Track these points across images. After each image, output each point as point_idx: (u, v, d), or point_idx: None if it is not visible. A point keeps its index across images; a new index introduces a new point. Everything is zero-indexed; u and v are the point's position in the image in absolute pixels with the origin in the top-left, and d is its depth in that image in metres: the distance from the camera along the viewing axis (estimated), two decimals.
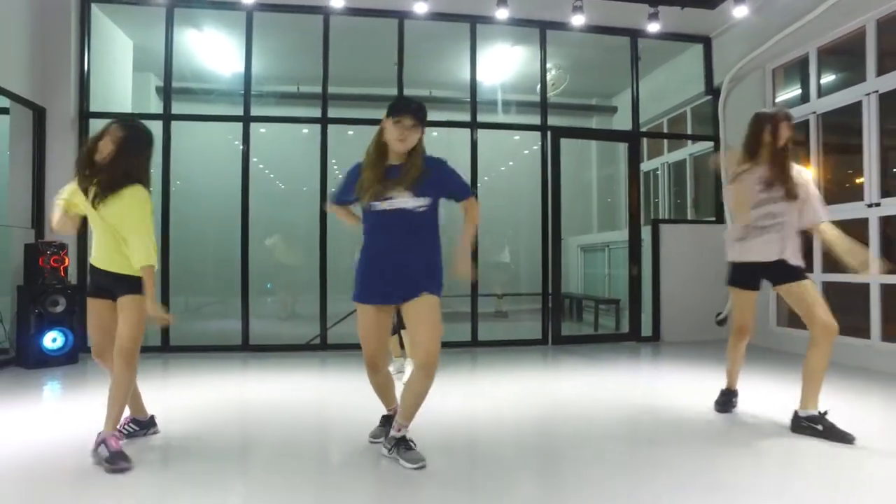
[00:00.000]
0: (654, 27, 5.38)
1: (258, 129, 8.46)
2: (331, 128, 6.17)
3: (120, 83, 6.65)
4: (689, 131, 7.53)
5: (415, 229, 2.51)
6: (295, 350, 5.97)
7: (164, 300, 5.75)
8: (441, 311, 2.52)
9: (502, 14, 5.20)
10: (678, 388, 4.36)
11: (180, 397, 4.04)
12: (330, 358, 5.74)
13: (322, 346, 6.01)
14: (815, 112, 5.37)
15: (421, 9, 5.32)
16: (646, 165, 8.45)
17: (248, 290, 5.93)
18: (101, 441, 2.53)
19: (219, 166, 7.60)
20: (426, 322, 2.44)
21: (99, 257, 2.73)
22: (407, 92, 6.76)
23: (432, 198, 2.54)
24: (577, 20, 5.28)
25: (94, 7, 5.91)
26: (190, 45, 7.14)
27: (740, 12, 5.06)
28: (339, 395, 4.14)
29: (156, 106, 7.89)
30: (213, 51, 7.22)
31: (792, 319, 5.85)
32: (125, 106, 6.62)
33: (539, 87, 6.47)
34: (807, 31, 5.28)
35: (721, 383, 3.62)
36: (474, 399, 4.04)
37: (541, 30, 6.32)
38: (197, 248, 8.78)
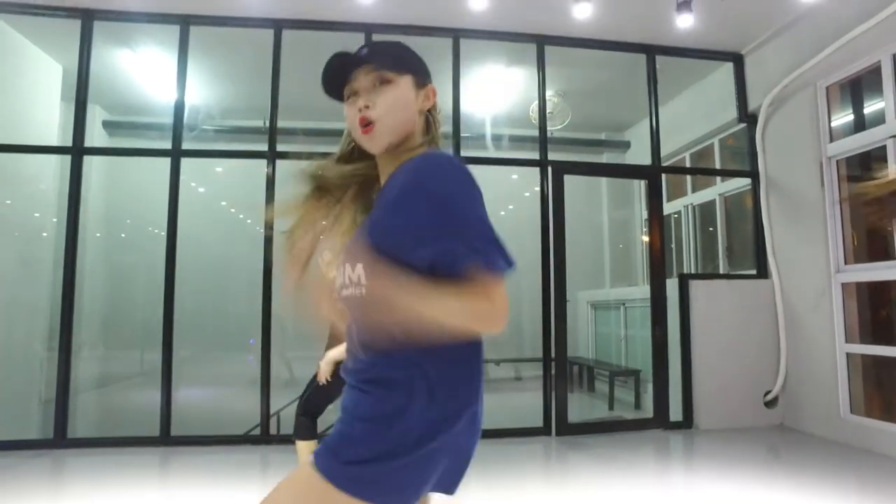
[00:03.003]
0: (685, 21, 4.20)
1: (214, 168, 7.46)
2: (292, 164, 5.04)
3: (42, 114, 5.62)
4: (718, 166, 6.35)
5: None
6: (229, 444, 4.67)
7: (63, 370, 4.55)
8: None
9: (478, 3, 3.99)
10: None
11: None
12: (273, 455, 4.46)
13: (264, 437, 4.72)
14: (894, 136, 4.17)
15: (382, 17, 4.18)
16: (666, 208, 7.23)
17: (171, 356, 4.70)
18: None
19: (186, 209, 6.58)
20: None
21: None
22: None
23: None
24: (582, 11, 4.10)
25: (3, 24, 4.94)
26: (136, 72, 6.13)
27: None
28: None
29: (100, 140, 6.89)
30: (166, 80, 6.22)
31: (869, 407, 4.51)
32: (47, 139, 5.56)
33: (532, 111, 5.37)
34: (876, 35, 4.14)
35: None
36: None
37: (538, 45, 5.24)
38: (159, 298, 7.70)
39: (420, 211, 1.01)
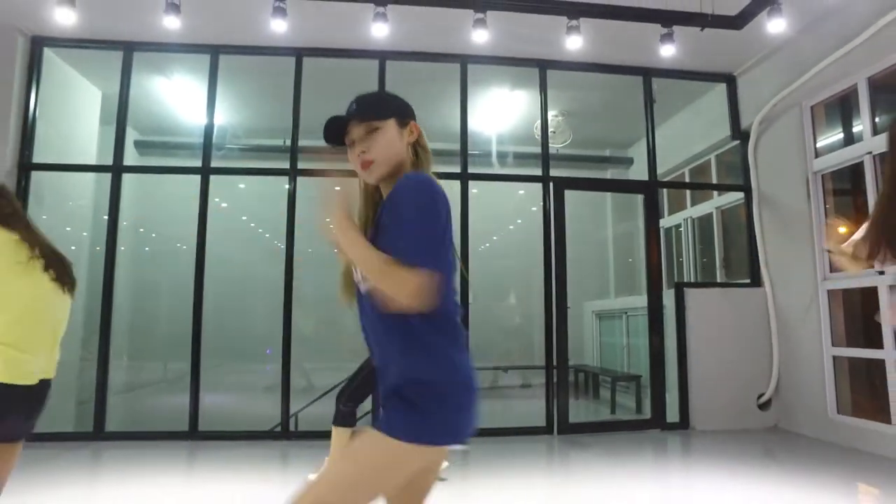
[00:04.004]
0: (668, 50, 4.56)
1: (237, 185, 7.89)
2: (313, 181, 5.44)
3: (83, 135, 6.10)
4: (715, 181, 6.65)
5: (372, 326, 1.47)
6: (251, 439, 5.03)
7: (102, 371, 4.95)
8: (375, 456, 1.34)
9: (480, 37, 4.41)
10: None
11: None
12: (292, 450, 4.80)
13: (284, 433, 5.07)
14: (870, 153, 4.46)
15: (386, 33, 4.54)
16: (667, 221, 7.54)
17: (199, 363, 5.09)
18: None
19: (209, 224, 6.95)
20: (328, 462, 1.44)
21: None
22: None
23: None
24: (574, 43, 4.50)
25: (54, 56, 5.44)
26: (167, 95, 6.64)
27: (776, 27, 4.21)
28: None
29: (132, 159, 7.37)
30: (193, 102, 6.71)
31: (857, 407, 4.74)
32: (87, 158, 6.03)
33: (536, 128, 5.73)
34: (853, 59, 4.45)
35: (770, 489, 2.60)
36: None
37: (540, 69, 5.62)
38: (188, 311, 8.11)
39: (387, 214, 1.38)
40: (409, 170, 1.47)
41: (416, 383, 1.34)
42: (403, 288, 1.27)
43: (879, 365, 4.42)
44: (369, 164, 1.44)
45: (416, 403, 1.33)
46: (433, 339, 1.36)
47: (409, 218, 1.33)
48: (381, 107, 1.49)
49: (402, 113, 1.51)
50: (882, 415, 4.36)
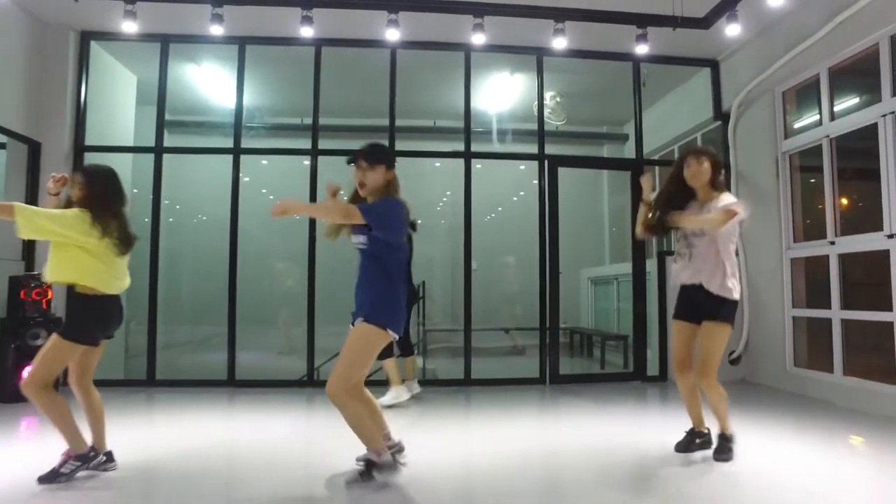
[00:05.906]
0: (642, 49, 5.11)
1: (260, 161, 8.48)
2: (331, 159, 6.08)
3: (121, 117, 6.74)
4: None
5: (362, 263, 2.87)
6: (281, 386, 5.78)
7: (151, 329, 5.70)
8: (370, 343, 2.75)
9: (479, 39, 5.05)
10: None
11: (164, 436, 3.99)
12: (317, 396, 5.53)
13: (310, 381, 5.81)
14: (828, 136, 4.99)
15: (397, 36, 5.12)
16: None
17: (234, 322, 5.81)
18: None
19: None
20: (343, 350, 2.72)
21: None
22: (411, 122, 6.81)
23: (366, 235, 2.79)
24: (559, 43, 5.08)
25: (95, 44, 6.03)
26: (194, 79, 7.23)
27: (733, 31, 4.74)
28: (324, 439, 3.92)
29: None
30: (217, 84, 7.30)
31: (812, 360, 5.38)
32: (126, 139, 6.68)
33: (535, 109, 6.28)
34: (816, 51, 4.95)
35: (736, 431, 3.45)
36: (469, 445, 3.77)
37: (537, 56, 6.14)
38: (210, 279, 8.73)
39: (370, 204, 2.79)
40: (382, 193, 2.81)
41: (376, 300, 2.76)
42: (355, 215, 2.68)
43: (828, 322, 5.03)
44: (363, 185, 2.81)
45: (379, 310, 2.75)
46: (389, 279, 2.79)
47: (378, 207, 2.76)
48: (381, 157, 2.82)
49: (390, 164, 2.85)
50: (827, 365, 5.00)
